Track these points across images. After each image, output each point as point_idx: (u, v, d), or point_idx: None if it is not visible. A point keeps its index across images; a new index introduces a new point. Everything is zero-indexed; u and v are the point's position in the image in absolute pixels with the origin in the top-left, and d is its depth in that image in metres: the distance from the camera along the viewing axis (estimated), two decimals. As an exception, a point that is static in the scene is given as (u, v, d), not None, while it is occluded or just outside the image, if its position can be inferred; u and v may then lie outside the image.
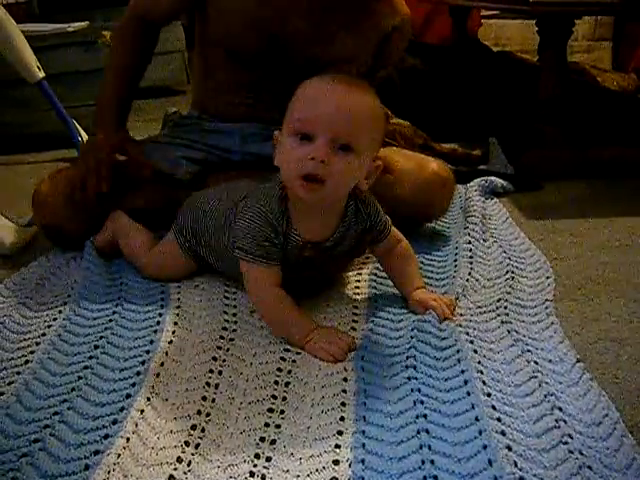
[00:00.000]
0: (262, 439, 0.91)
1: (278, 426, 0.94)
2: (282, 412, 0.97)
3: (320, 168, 1.06)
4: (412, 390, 1.00)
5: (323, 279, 1.35)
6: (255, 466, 0.86)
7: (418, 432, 0.91)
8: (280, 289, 1.17)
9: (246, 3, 1.52)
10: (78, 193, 1.51)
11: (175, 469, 0.85)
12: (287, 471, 0.85)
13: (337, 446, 0.89)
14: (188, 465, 0.86)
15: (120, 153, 1.57)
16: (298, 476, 0.85)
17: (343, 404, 0.98)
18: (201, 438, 0.91)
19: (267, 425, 0.94)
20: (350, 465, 0.86)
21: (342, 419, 0.95)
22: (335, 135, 1.07)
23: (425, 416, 0.94)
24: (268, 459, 0.87)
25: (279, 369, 1.07)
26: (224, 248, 1.28)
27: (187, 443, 0.90)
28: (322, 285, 1.35)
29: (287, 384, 1.04)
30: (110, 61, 1.69)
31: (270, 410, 0.97)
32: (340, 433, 0.92)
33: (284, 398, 1.00)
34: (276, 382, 1.04)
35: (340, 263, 1.33)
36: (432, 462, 0.85)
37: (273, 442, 0.91)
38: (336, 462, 0.86)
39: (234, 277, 1.31)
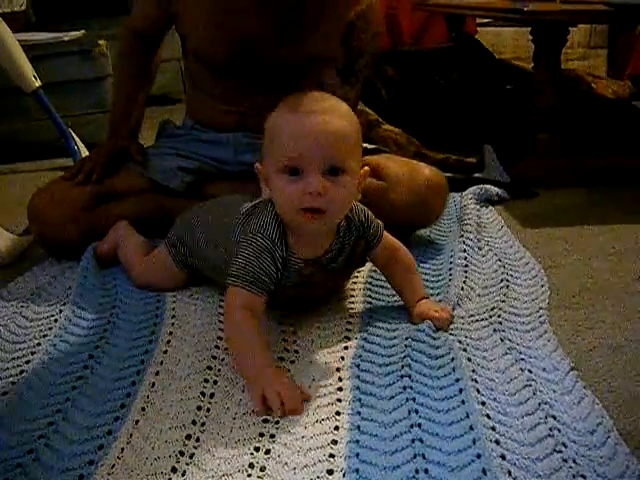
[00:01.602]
0: (257, 449, 0.91)
1: (272, 436, 0.94)
2: (277, 422, 0.97)
3: (319, 201, 1.06)
4: (407, 399, 1.00)
5: (327, 293, 1.34)
6: (250, 476, 0.86)
7: (412, 441, 0.91)
8: (249, 315, 1.08)
9: (210, 11, 1.54)
10: (69, 176, 1.62)
11: (169, 479, 0.85)
12: (282, 480, 0.86)
13: (331, 455, 0.89)
14: (182, 475, 0.86)
15: (123, 155, 1.67)
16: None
17: (338, 413, 0.98)
18: (196, 448, 0.91)
19: (262, 435, 0.94)
20: (344, 475, 0.85)
21: (337, 428, 0.95)
22: (324, 164, 1.07)
23: (419, 425, 0.94)
24: (262, 469, 0.87)
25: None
26: (216, 260, 1.28)
27: (182, 453, 0.90)
28: (326, 299, 1.34)
29: (282, 393, 1.04)
30: (115, 78, 1.78)
31: (265, 420, 0.97)
32: (334, 442, 0.92)
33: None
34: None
35: (340, 275, 1.32)
36: (426, 471, 0.85)
37: (267, 452, 0.91)
38: (330, 472, 0.86)
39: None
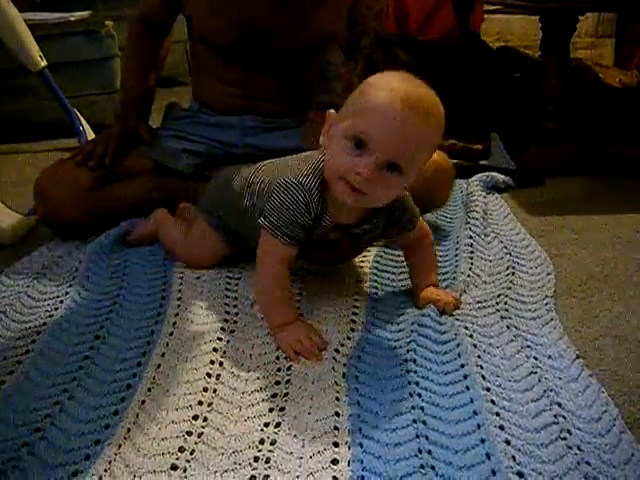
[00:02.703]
0: (266, 424, 0.92)
1: (282, 409, 0.95)
2: (286, 394, 0.98)
3: (362, 185, 1.05)
4: (409, 382, 1.01)
5: (349, 257, 1.38)
6: (260, 451, 0.87)
7: (414, 422, 0.92)
8: (284, 269, 1.15)
9: None
10: (81, 159, 1.59)
11: (177, 458, 0.86)
12: (291, 453, 0.87)
13: (336, 428, 0.91)
14: (191, 454, 0.87)
15: (134, 137, 1.65)
16: (301, 457, 0.86)
17: (337, 392, 0.99)
18: (204, 427, 0.92)
19: (271, 410, 0.95)
20: (349, 448, 0.87)
21: (337, 399, 0.97)
22: (389, 157, 1.04)
23: (422, 408, 0.95)
24: (273, 442, 0.89)
25: (277, 357, 1.08)
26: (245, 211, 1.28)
27: (189, 433, 0.90)
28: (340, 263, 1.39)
29: (289, 368, 1.05)
30: (124, 63, 1.82)
31: (274, 395, 0.99)
32: (337, 414, 0.94)
33: (288, 381, 1.02)
34: (279, 369, 1.05)
35: (365, 244, 1.34)
36: (429, 452, 0.86)
37: (278, 425, 0.92)
38: (336, 444, 0.88)
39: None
